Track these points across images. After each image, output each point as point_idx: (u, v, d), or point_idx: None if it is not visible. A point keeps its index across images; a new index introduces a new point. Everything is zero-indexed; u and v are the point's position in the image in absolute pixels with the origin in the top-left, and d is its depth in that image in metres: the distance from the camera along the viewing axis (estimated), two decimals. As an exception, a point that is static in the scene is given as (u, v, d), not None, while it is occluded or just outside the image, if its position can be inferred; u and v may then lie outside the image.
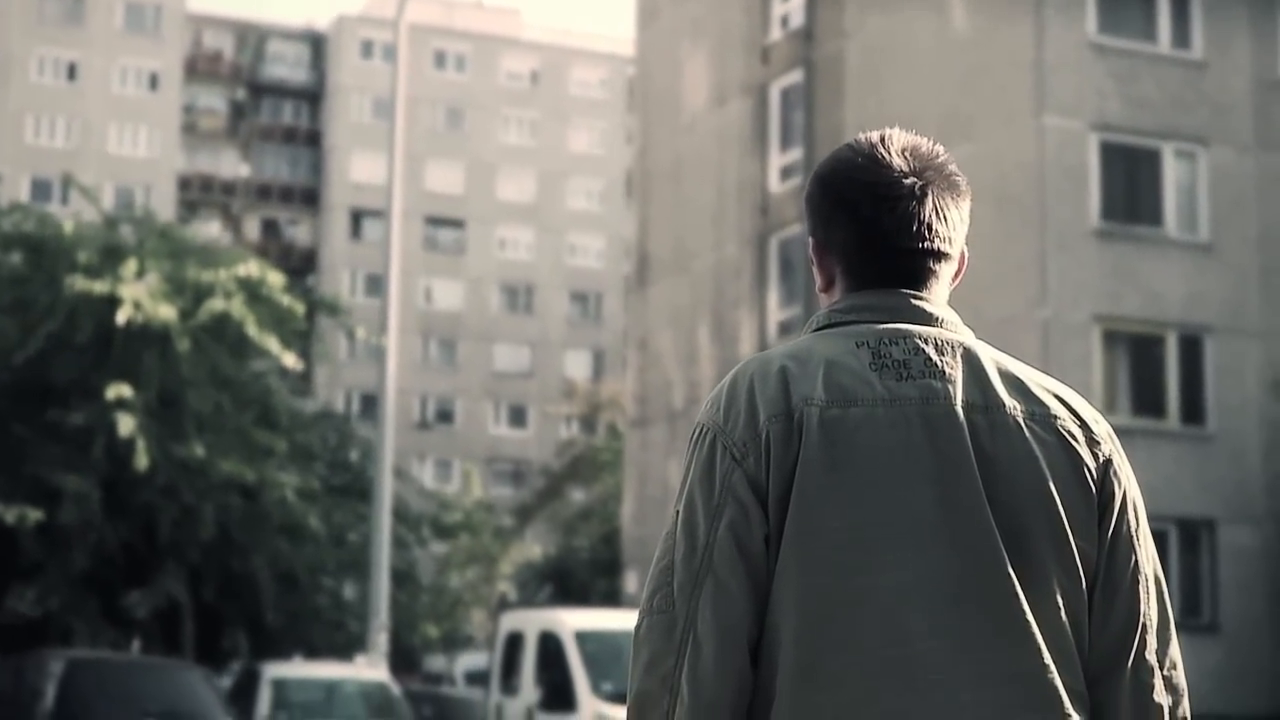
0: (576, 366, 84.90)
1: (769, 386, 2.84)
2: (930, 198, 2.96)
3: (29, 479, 26.03)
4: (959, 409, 2.83)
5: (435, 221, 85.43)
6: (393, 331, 28.17)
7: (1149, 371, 29.11)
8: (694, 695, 2.74)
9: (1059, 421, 2.88)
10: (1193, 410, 29.28)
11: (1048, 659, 2.76)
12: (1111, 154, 29.38)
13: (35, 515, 25.27)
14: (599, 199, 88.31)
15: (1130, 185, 29.77)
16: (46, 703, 19.01)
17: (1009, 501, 2.79)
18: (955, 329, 2.95)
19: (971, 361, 2.90)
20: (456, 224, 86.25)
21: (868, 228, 2.96)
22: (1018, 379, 2.91)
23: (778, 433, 2.79)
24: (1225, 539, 28.18)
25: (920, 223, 2.95)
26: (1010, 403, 2.86)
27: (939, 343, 2.90)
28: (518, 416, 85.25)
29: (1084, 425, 2.90)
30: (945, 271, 3.01)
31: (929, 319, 2.94)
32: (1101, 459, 2.89)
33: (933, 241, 2.96)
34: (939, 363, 2.87)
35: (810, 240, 3.07)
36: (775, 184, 35.05)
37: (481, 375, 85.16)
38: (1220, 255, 29.76)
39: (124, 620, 27.25)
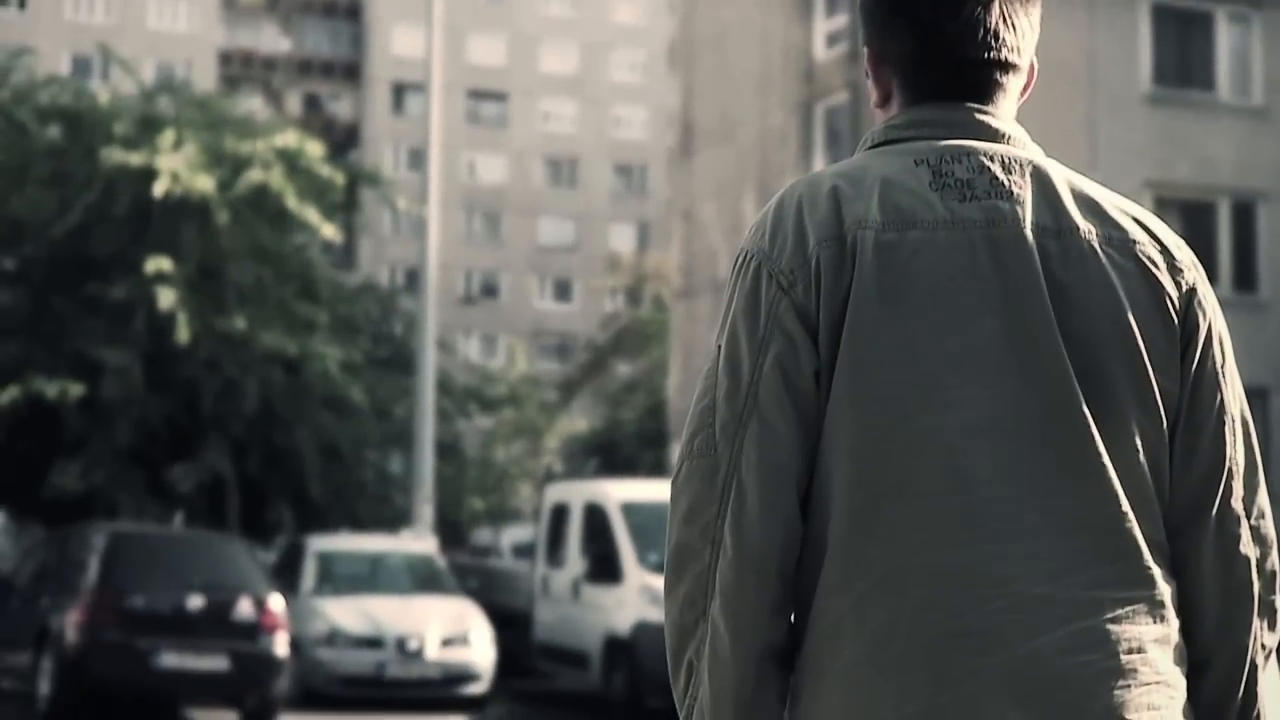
0: (621, 239, 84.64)
1: (819, 208, 2.56)
2: (997, 2, 2.67)
3: (70, 353, 25.97)
4: (1028, 232, 2.54)
5: (477, 95, 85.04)
6: (434, 202, 27.91)
7: (1200, 238, 28.70)
8: (738, 546, 2.49)
9: (1138, 246, 2.60)
10: (1245, 277, 28.97)
11: (1125, 506, 2.49)
12: (1163, 17, 28.91)
13: (77, 390, 25.20)
14: (642, 70, 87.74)
15: (1182, 50, 29.31)
16: (90, 575, 18.97)
17: (1084, 334, 2.52)
18: (1024, 146, 2.66)
19: (1042, 181, 2.61)
20: (499, 97, 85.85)
21: (928, 35, 2.67)
22: (1093, 200, 2.62)
23: (829, 258, 2.52)
24: (1277, 407, 27.93)
25: (986, 30, 2.66)
26: (1085, 226, 2.58)
27: (1006, 160, 2.61)
28: (563, 290, 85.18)
29: (1165, 251, 2.62)
30: (1013, 85, 2.72)
31: (995, 135, 2.65)
32: (1185, 288, 2.61)
33: (999, 51, 2.68)
34: (1006, 182, 2.58)
35: (866, 51, 2.78)
36: (820, 50, 34.59)
37: (526, 249, 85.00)
38: (1274, 120, 29.33)
39: (169, 494, 27.23)
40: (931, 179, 2.57)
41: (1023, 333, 2.50)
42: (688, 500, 2.54)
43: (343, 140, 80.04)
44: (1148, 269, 2.58)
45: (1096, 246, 2.57)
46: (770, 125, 35.81)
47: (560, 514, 24.03)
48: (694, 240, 38.53)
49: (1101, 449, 2.49)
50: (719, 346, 2.57)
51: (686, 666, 2.56)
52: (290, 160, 26.90)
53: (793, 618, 2.55)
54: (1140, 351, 2.54)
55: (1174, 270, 2.61)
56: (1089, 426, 2.49)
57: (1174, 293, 2.59)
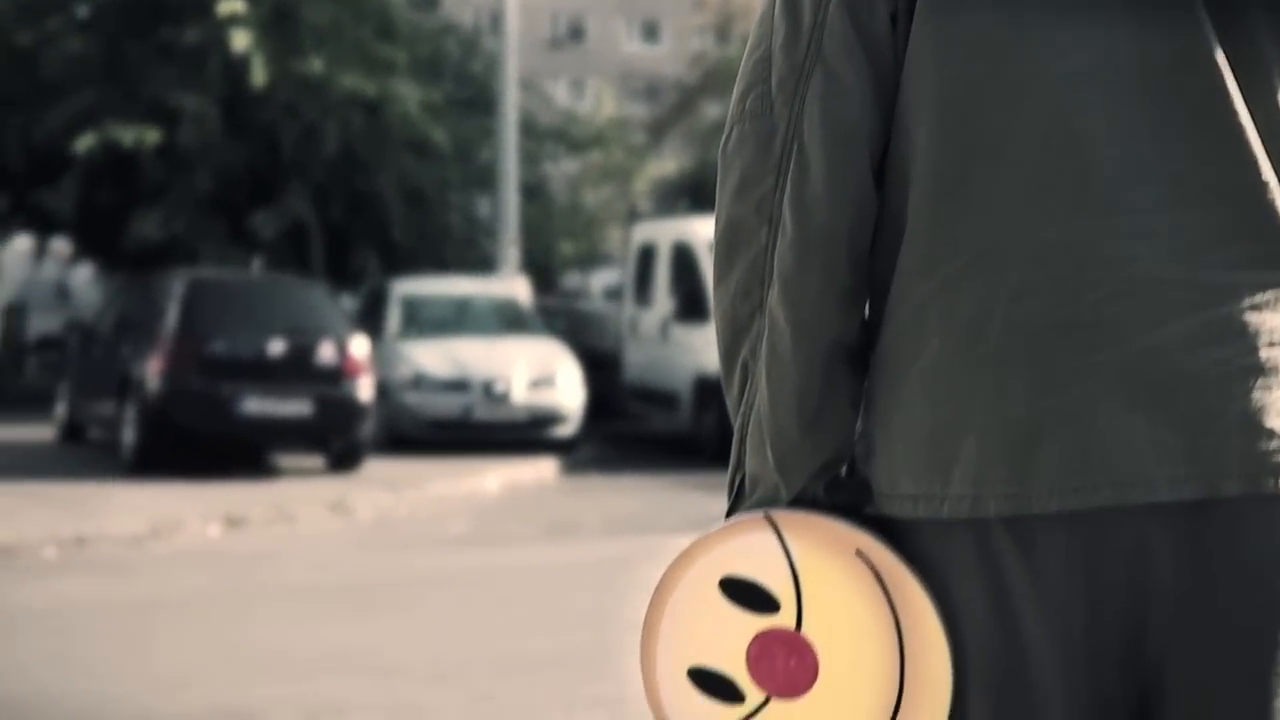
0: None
1: None
2: None
3: (146, 100, 25.69)
4: None
5: None
6: (512, -63, 27.37)
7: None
8: (800, 223, 2.05)
9: None
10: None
11: (1266, 174, 2.02)
12: None
13: (154, 136, 24.96)
14: None
15: None
16: (169, 323, 18.82)
17: (1216, -37, 2.05)
18: None
19: None
20: None
21: None
22: None
23: None
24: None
25: None
26: None
27: None
28: (650, 31, 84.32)
29: None
30: None
31: None
32: None
33: None
34: None
35: None
36: None
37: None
38: None
39: (251, 242, 27.09)
40: None
41: (1142, -39, 2.02)
42: (739, 171, 2.11)
43: (423, -118, 78.90)
44: None
45: None
46: None
47: (648, 254, 23.83)
48: (782, -26, 37.76)
49: (1239, 105, 2.03)
50: (775, -13, 2.13)
51: (740, 368, 2.15)
52: (361, -105, 26.39)
53: (866, 310, 2.13)
54: (1285, -13, 2.05)
55: None
56: (1223, 77, 2.03)
57: None
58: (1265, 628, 1.98)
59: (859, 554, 2.06)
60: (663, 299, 22.93)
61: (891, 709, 2.05)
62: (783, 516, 2.09)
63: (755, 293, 2.11)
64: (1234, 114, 2.03)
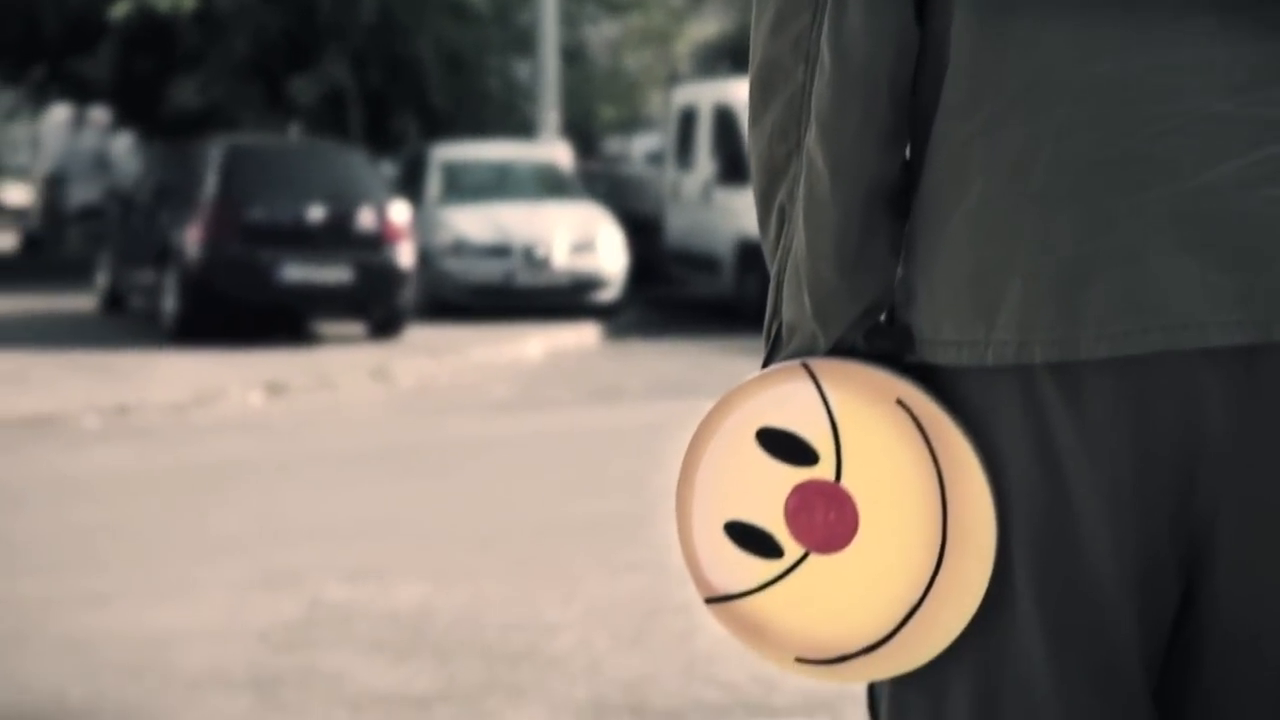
0: None
1: None
2: None
3: (181, -34, 25.57)
4: None
5: None
6: None
7: None
8: (838, 61, 1.95)
9: None
10: None
11: (1324, 5, 1.93)
12: None
13: (190, 2, 24.82)
14: None
15: None
16: (208, 190, 18.77)
17: None
18: None
19: None
20: None
21: None
22: None
23: None
24: None
25: None
26: None
27: None
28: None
29: None
30: None
31: None
32: None
33: None
34: None
35: None
36: None
37: None
38: None
39: (289, 108, 26.99)
40: None
41: None
42: (775, 7, 2.01)
43: None
44: None
45: None
46: None
47: (689, 117, 23.71)
48: None
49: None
50: None
51: (777, 212, 2.06)
52: None
53: (907, 151, 2.04)
54: None
55: None
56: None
57: None
58: (1321, 477, 1.91)
59: (900, 403, 1.98)
60: (704, 162, 22.82)
61: (934, 563, 1.99)
62: (821, 365, 2.02)
63: (792, 134, 2.02)
64: None
